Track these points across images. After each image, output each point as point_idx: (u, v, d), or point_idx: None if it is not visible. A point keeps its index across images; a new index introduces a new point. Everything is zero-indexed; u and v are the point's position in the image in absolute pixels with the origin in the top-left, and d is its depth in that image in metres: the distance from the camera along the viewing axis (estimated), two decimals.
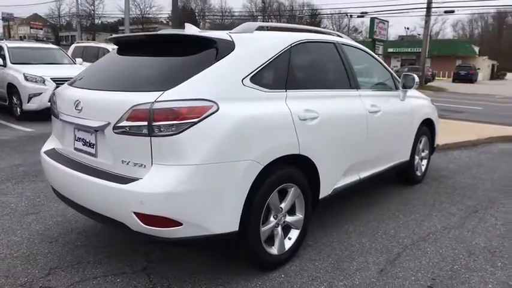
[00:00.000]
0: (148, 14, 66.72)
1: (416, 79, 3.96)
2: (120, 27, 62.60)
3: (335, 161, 3.00)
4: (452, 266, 2.75)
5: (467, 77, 35.53)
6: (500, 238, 3.23)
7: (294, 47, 2.79)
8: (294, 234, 2.77)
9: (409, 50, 44.24)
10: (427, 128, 4.60)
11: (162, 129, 2.06)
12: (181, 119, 2.06)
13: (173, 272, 2.57)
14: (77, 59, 10.12)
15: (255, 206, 2.35)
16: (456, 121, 9.50)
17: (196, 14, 71.90)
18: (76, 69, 9.08)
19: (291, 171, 2.61)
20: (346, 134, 3.12)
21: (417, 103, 4.38)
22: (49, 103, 7.78)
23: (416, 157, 4.50)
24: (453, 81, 35.64)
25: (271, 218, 2.56)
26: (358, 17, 35.67)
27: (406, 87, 4.01)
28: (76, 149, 2.53)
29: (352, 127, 3.19)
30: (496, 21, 77.36)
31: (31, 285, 2.42)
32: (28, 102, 7.96)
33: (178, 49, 2.48)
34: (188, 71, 2.25)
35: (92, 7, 64.72)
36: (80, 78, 2.76)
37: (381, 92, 3.81)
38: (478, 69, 40.49)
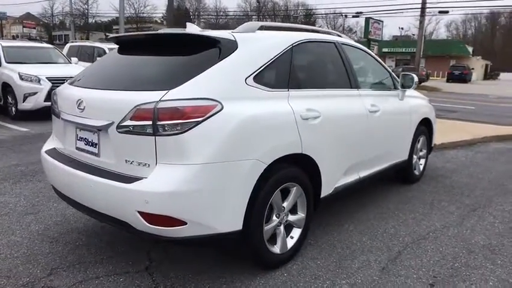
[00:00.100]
0: (143, 13, 66.51)
1: (415, 79, 3.99)
2: (114, 27, 62.28)
3: (336, 160, 3.02)
4: (452, 264, 2.78)
5: (461, 77, 35.79)
6: (499, 236, 3.26)
7: (296, 46, 2.80)
8: (296, 233, 2.78)
9: (403, 50, 44.48)
10: (425, 127, 4.63)
11: (166, 129, 2.06)
12: (186, 118, 2.06)
13: (176, 272, 2.57)
14: (72, 58, 10.06)
15: (258, 205, 2.36)
16: (451, 120, 9.57)
17: (191, 13, 71.73)
18: (72, 68, 9.05)
19: (293, 171, 2.62)
20: (347, 134, 3.13)
21: (415, 103, 4.41)
22: (45, 102, 7.89)
23: (415, 156, 4.53)
24: (447, 81, 35.88)
25: (274, 217, 2.57)
26: (353, 17, 35.84)
27: (405, 86, 4.04)
28: (78, 148, 2.52)
29: (353, 126, 3.21)
30: (489, 22, 78.05)
31: (33, 285, 2.40)
32: (23, 102, 7.90)
33: (181, 48, 2.48)
34: (192, 70, 2.25)
35: (86, 6, 64.36)
36: (81, 77, 2.75)
37: (380, 91, 3.83)
38: (472, 69, 40.81)
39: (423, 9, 24.00)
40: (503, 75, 54.90)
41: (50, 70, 8.39)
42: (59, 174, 2.60)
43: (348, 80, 3.30)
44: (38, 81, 7.95)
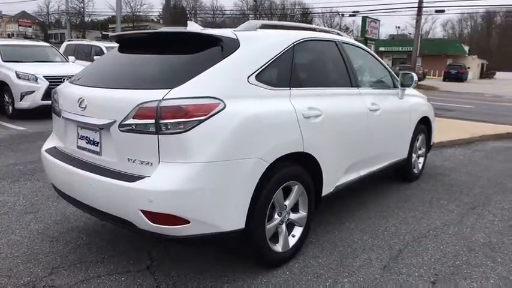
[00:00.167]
0: (139, 12, 66.18)
1: (415, 77, 4.00)
2: (111, 25, 61.96)
3: (337, 159, 3.02)
4: (453, 262, 2.79)
5: (458, 76, 35.93)
6: (499, 234, 3.28)
7: (297, 45, 2.80)
8: (298, 231, 2.78)
9: (400, 49, 44.60)
10: (424, 126, 4.64)
11: (169, 127, 2.05)
12: (189, 117, 2.05)
13: (177, 270, 2.57)
14: (69, 57, 10.01)
15: (261, 203, 2.36)
16: (449, 119, 9.61)
17: (187, 12, 71.55)
18: (69, 67, 9.00)
19: (295, 169, 2.62)
20: (348, 132, 3.14)
21: (415, 101, 4.42)
22: (42, 101, 7.85)
23: (414, 155, 4.55)
24: (444, 80, 36.01)
25: (276, 216, 2.57)
26: (350, 16, 35.82)
27: (404, 85, 4.05)
28: (79, 147, 2.51)
29: (354, 125, 3.21)
30: (484, 21, 78.40)
31: (34, 284, 2.39)
32: (20, 101, 7.85)
33: (183, 47, 2.47)
34: (194, 69, 2.24)
35: (82, 4, 63.95)
36: (82, 76, 2.73)
37: (380, 90, 3.83)
38: (468, 68, 40.96)
39: (420, 8, 24.02)
40: (499, 74, 55.18)
41: (47, 69, 8.34)
42: (59, 173, 2.59)
43: (349, 78, 3.30)
44: (35, 79, 7.90)
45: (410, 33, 52.67)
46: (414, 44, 24.26)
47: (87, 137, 2.44)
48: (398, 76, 4.10)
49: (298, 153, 2.59)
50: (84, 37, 47.47)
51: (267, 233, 2.47)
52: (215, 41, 2.40)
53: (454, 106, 13.98)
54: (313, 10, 70.87)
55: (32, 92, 7.84)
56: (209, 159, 2.08)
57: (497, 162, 5.77)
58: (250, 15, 68.06)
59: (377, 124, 3.52)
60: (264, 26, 2.78)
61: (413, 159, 4.53)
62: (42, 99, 7.84)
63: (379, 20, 25.73)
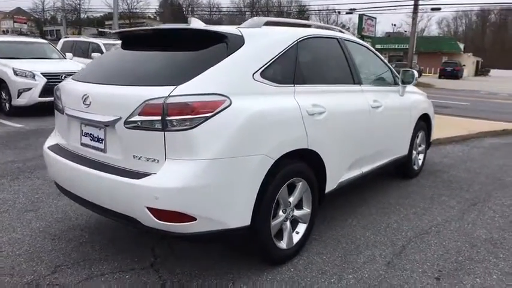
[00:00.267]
0: (136, 8, 65.79)
1: (416, 74, 4.01)
2: (107, 22, 61.60)
3: (340, 156, 3.02)
4: (456, 258, 2.80)
5: (453, 73, 36.07)
6: (500, 230, 3.30)
7: (301, 42, 2.79)
8: (302, 228, 2.78)
9: (396, 47, 44.70)
10: (424, 122, 4.66)
11: (175, 124, 2.04)
12: (195, 114, 2.04)
13: (182, 268, 2.56)
14: (66, 54, 9.93)
15: (266, 200, 2.35)
16: (445, 116, 9.64)
17: (184, 9, 71.26)
18: (67, 63, 8.94)
19: (299, 166, 2.62)
20: (351, 129, 3.14)
21: (415, 98, 4.43)
22: (39, 98, 7.80)
23: (414, 151, 4.56)
24: (439, 77, 36.14)
25: (280, 212, 2.57)
26: (347, 13, 35.82)
27: (405, 82, 4.06)
28: (83, 144, 2.49)
29: (356, 122, 3.21)
30: (479, 19, 78.76)
31: (38, 283, 2.38)
32: (18, 98, 7.78)
33: (187, 43, 2.45)
34: (199, 66, 2.23)
35: (78, 1, 63.51)
36: (85, 72, 2.71)
37: (381, 87, 3.83)
38: (464, 65, 41.14)
39: (416, 6, 24.11)
40: (493, 72, 55.50)
41: (45, 65, 8.27)
42: (63, 170, 2.57)
43: (351, 75, 3.30)
44: (33, 76, 7.83)
45: (406, 31, 52.77)
46: (410, 42, 24.36)
47: (91, 134, 2.42)
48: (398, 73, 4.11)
49: (303, 150, 2.59)
50: (80, 34, 47.12)
51: (272, 229, 2.47)
52: (220, 37, 2.38)
53: (450, 103, 14.04)
54: (310, 8, 70.79)
55: (30, 89, 7.77)
56: (215, 156, 2.08)
57: (495, 159, 5.81)
58: (247, 13, 67.91)
59: (379, 121, 3.53)
60: (268, 23, 2.76)
61: (413, 156, 4.54)
62: (39, 96, 7.79)
63: (375, 18, 25.79)
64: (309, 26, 3.31)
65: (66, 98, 2.61)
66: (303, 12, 66.20)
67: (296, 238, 2.73)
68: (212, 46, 2.37)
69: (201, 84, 2.13)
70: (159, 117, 2.04)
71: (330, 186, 2.97)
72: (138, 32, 2.84)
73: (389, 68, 4.07)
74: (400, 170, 4.52)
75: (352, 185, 3.34)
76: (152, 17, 70.29)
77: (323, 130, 2.76)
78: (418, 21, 25.53)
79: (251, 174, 2.22)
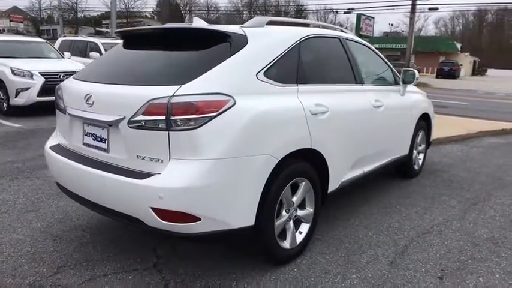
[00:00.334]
0: (133, 8, 65.54)
1: (417, 74, 4.01)
2: (104, 21, 61.34)
3: (343, 155, 3.02)
4: (459, 257, 2.81)
5: (451, 73, 36.15)
6: (501, 229, 3.31)
7: (303, 41, 2.78)
8: (305, 228, 2.78)
9: (393, 46, 44.77)
10: (424, 122, 4.67)
11: (180, 124, 2.03)
12: (200, 113, 2.03)
13: (185, 268, 2.55)
14: (65, 53, 9.88)
15: (270, 200, 2.35)
16: (444, 116, 9.66)
17: (182, 8, 71.10)
18: (65, 63, 8.90)
19: (302, 166, 2.62)
20: (353, 129, 3.14)
21: (416, 98, 4.44)
22: (37, 98, 7.76)
23: (414, 151, 4.57)
24: (437, 77, 36.21)
25: (284, 212, 2.57)
26: (345, 13, 35.88)
27: (406, 82, 4.06)
28: (85, 144, 2.47)
29: (359, 122, 3.21)
30: (476, 19, 79.04)
31: (40, 284, 2.36)
32: (16, 97, 7.74)
33: (191, 43, 2.44)
34: (203, 65, 2.22)
35: (75, 0, 63.20)
36: (87, 72, 2.69)
37: (382, 87, 3.84)
38: (461, 65, 41.25)
39: (413, 5, 24.15)
40: (490, 72, 55.71)
41: (43, 65, 8.23)
42: (64, 170, 2.55)
43: (353, 75, 3.30)
44: (31, 76, 7.79)
45: (403, 31, 52.92)
46: (408, 42, 24.39)
47: (93, 133, 2.40)
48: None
49: (306, 150, 2.59)
50: (76, 33, 46.97)
51: (275, 229, 2.47)
52: (223, 37, 2.37)
53: (448, 103, 14.07)
54: (308, 7, 70.83)
55: (28, 88, 7.73)
56: (220, 156, 2.07)
57: (495, 158, 5.83)
58: (244, 12, 67.87)
59: (380, 121, 3.53)
60: (270, 22, 2.75)
61: (414, 156, 4.55)
62: (37, 96, 7.75)
63: (373, 17, 25.84)
64: (310, 25, 3.30)
65: (68, 98, 2.59)
66: (300, 12, 66.21)
67: (299, 238, 2.72)
68: (215, 45, 2.36)
69: (205, 83, 2.12)
70: (163, 117, 2.03)
71: (333, 186, 2.97)
72: (141, 31, 2.83)
73: (390, 68, 4.07)
74: (401, 169, 4.52)
75: (354, 184, 3.34)
76: (150, 16, 70.10)
77: (326, 130, 2.75)
78: (416, 21, 25.59)
79: (255, 174, 2.22)
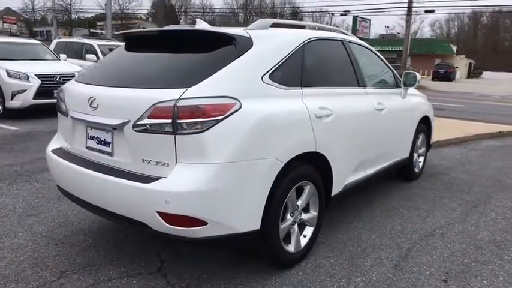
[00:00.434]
0: (128, 9, 65.38)
1: (418, 77, 4.03)
2: (98, 23, 61.13)
3: (346, 158, 3.02)
4: (462, 260, 2.81)
5: (446, 75, 36.38)
6: (503, 232, 3.32)
7: (307, 44, 2.78)
8: (309, 231, 2.77)
9: (389, 49, 44.95)
10: (424, 125, 4.68)
11: (186, 127, 2.02)
12: (206, 117, 2.02)
13: (190, 272, 2.53)
14: (60, 55, 9.83)
15: (275, 204, 2.34)
16: (441, 118, 9.69)
17: (177, 10, 71.04)
18: (61, 65, 8.85)
19: (306, 169, 2.61)
20: (356, 132, 3.14)
21: (416, 101, 4.45)
22: (34, 100, 7.71)
23: (415, 154, 4.58)
24: (432, 79, 36.41)
25: (288, 216, 2.56)
26: (341, 15, 36.00)
27: (407, 85, 4.08)
28: (88, 147, 2.45)
29: (361, 125, 3.21)
30: (471, 21, 79.64)
31: None
32: (11, 100, 7.67)
33: (195, 45, 2.43)
34: (208, 68, 2.21)
35: (69, 1, 62.93)
36: (89, 74, 2.67)
37: (384, 89, 3.85)
38: (456, 67, 41.53)
39: (410, 8, 24.30)
40: (485, 74, 56.13)
41: (39, 67, 8.17)
42: (67, 174, 2.53)
43: (356, 78, 3.30)
44: (27, 78, 7.73)
45: (399, 33, 53.14)
46: (404, 44, 24.52)
47: (97, 137, 2.38)
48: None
49: (310, 153, 2.58)
50: (71, 35, 46.71)
51: (280, 233, 2.46)
52: (228, 39, 2.37)
53: (445, 105, 14.13)
54: (303, 9, 71.01)
55: (24, 90, 7.67)
56: (226, 159, 2.06)
57: (493, 161, 5.86)
58: (240, 14, 67.94)
59: (382, 123, 3.54)
60: (274, 25, 2.75)
61: (414, 159, 4.56)
62: (33, 98, 7.70)
63: (369, 20, 25.94)
64: (313, 27, 3.30)
65: (71, 101, 2.57)
66: (296, 14, 66.38)
67: (303, 241, 2.72)
68: (220, 48, 2.35)
69: (212, 86, 2.11)
70: (169, 121, 2.01)
71: (336, 189, 2.96)
72: (144, 34, 2.81)
73: (391, 70, 4.08)
74: (402, 172, 4.53)
75: (357, 187, 3.34)
76: (144, 17, 69.96)
77: (330, 133, 2.75)
78: (411, 24, 25.73)
79: (261, 177, 2.21)
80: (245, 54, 2.32)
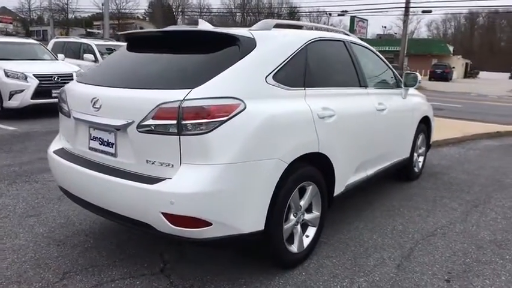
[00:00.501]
0: (125, 9, 65.17)
1: (419, 77, 4.04)
2: (95, 22, 60.94)
3: (348, 159, 3.03)
4: (464, 260, 2.82)
5: (443, 75, 36.49)
6: (504, 232, 3.34)
7: (310, 44, 2.78)
8: (311, 231, 2.77)
9: (387, 49, 45.02)
10: (424, 125, 4.69)
11: (190, 128, 2.01)
12: (211, 118, 2.02)
13: (193, 273, 2.53)
14: (58, 55, 9.79)
15: (279, 204, 2.34)
16: (439, 118, 9.70)
17: (174, 10, 70.91)
18: (59, 65, 8.80)
19: (309, 170, 2.61)
20: (358, 132, 3.15)
21: (416, 101, 4.47)
22: (32, 100, 7.68)
23: (415, 154, 4.59)
24: (429, 79, 36.50)
25: (292, 216, 2.56)
26: (339, 15, 36.08)
27: (407, 85, 4.09)
28: (91, 148, 2.44)
29: (363, 125, 3.22)
30: (468, 22, 79.98)
31: None
32: (9, 100, 7.63)
33: (199, 46, 2.43)
34: (212, 68, 2.21)
35: (65, 1, 62.67)
36: (92, 75, 2.67)
37: (385, 90, 3.86)
38: (453, 67, 41.68)
39: (407, 8, 24.36)
40: (482, 74, 56.39)
41: (37, 67, 8.13)
42: (69, 175, 2.52)
43: (357, 78, 3.31)
44: (25, 78, 7.69)
45: (396, 33, 53.34)
46: (402, 44, 24.59)
47: (100, 138, 2.37)
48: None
49: (313, 154, 2.59)
50: (67, 34, 46.53)
51: (284, 233, 2.46)
52: (232, 40, 2.36)
53: (443, 105, 14.17)
54: (300, 9, 71.04)
55: (22, 90, 7.63)
56: (231, 160, 2.06)
57: (492, 161, 5.89)
58: (237, 14, 67.92)
59: (383, 124, 3.55)
60: (277, 25, 2.75)
61: (414, 159, 4.57)
62: (31, 98, 7.66)
63: (367, 20, 25.99)
64: (315, 28, 3.31)
65: (73, 101, 2.56)
66: (293, 14, 66.42)
67: (306, 242, 2.72)
68: (224, 48, 2.35)
69: (216, 87, 2.11)
70: (174, 121, 2.01)
71: (338, 189, 2.97)
72: (146, 34, 2.81)
73: (392, 71, 4.09)
74: (402, 172, 4.54)
75: (357, 187, 3.34)
76: (141, 17, 69.80)
77: (333, 133, 2.76)
78: (408, 24, 25.81)
79: (265, 178, 2.21)
80: (249, 55, 2.32)
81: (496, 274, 2.65)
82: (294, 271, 2.58)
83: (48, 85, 7.89)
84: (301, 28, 3.11)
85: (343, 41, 3.29)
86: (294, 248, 2.59)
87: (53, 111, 7.93)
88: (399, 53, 26.09)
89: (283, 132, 2.31)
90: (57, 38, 13.57)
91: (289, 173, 2.36)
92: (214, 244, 2.22)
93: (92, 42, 11.40)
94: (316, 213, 2.78)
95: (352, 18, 25.57)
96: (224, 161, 2.04)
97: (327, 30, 3.41)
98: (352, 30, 25.04)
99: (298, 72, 2.63)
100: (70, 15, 66.18)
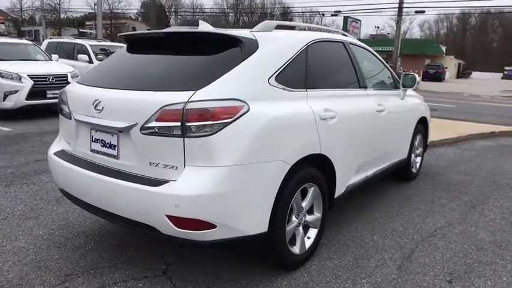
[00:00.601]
0: (117, 9, 64.72)
1: (417, 78, 4.06)
2: (88, 22, 60.51)
3: (349, 160, 3.04)
4: (465, 261, 2.84)
5: (436, 75, 36.75)
6: (503, 232, 3.37)
7: (310, 46, 2.79)
8: (313, 233, 2.78)
9: (380, 49, 45.23)
10: (421, 126, 4.72)
11: (194, 130, 2.00)
12: (215, 120, 2.01)
13: (195, 275, 2.52)
14: (52, 55, 9.71)
15: (282, 206, 2.34)
16: (434, 118, 9.70)
17: (166, 9, 70.59)
18: (53, 65, 8.73)
19: (311, 171, 2.62)
20: (358, 133, 3.16)
21: (414, 102, 4.50)
22: (26, 101, 7.61)
23: (412, 155, 4.62)
24: (422, 79, 36.65)
25: (294, 218, 2.56)
26: (332, 15, 36.18)
27: (405, 86, 4.11)
28: (93, 150, 2.43)
29: (363, 126, 3.23)
30: (460, 22, 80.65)
31: None
32: (3, 101, 7.55)
33: (201, 47, 2.42)
34: (215, 70, 2.20)
35: (57, 1, 62.09)
36: (93, 76, 2.64)
37: (384, 91, 3.87)
38: (446, 68, 41.97)
39: (400, 8, 24.51)
40: (474, 74, 56.90)
41: (31, 67, 8.06)
42: (71, 177, 2.50)
43: (357, 79, 3.32)
44: (19, 79, 7.62)
45: (388, 33, 53.63)
46: (395, 44, 24.72)
47: (102, 140, 2.36)
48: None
49: (315, 155, 2.59)
50: (59, 34, 46.11)
51: (286, 235, 2.46)
52: (234, 41, 2.36)
53: (436, 105, 14.23)
54: (293, 10, 71.19)
55: (16, 91, 7.56)
56: (235, 162, 2.05)
57: (487, 161, 5.94)
58: (230, 14, 67.85)
59: (382, 125, 3.56)
60: (278, 27, 2.75)
61: (412, 159, 4.60)
62: (26, 99, 7.60)
63: (360, 20, 26.09)
64: (315, 29, 3.31)
65: (74, 103, 2.53)
66: (286, 14, 66.48)
67: (308, 243, 2.72)
68: (226, 50, 2.34)
69: (220, 89, 2.10)
70: (178, 123, 2.00)
71: (339, 190, 2.98)
72: (147, 35, 2.79)
73: (390, 72, 4.11)
74: (400, 173, 4.56)
75: (358, 188, 3.35)
76: (134, 17, 69.44)
77: (334, 135, 2.76)
78: (401, 24, 25.95)
79: (269, 180, 2.21)
80: (251, 56, 2.32)
81: (497, 275, 2.68)
82: (296, 273, 2.58)
83: (42, 86, 7.82)
84: (302, 29, 3.11)
85: (343, 42, 3.30)
86: (296, 249, 2.59)
87: (47, 111, 7.91)
88: (392, 53, 26.23)
89: (286, 134, 2.31)
90: (50, 38, 13.46)
91: (292, 175, 2.37)
92: (218, 246, 2.23)
93: (86, 43, 11.31)
94: (317, 214, 2.78)
95: (346, 19, 25.65)
96: (228, 163, 2.04)
97: (328, 31, 3.42)
98: (345, 30, 25.12)
99: (300, 74, 2.63)
100: (62, 15, 65.57)
